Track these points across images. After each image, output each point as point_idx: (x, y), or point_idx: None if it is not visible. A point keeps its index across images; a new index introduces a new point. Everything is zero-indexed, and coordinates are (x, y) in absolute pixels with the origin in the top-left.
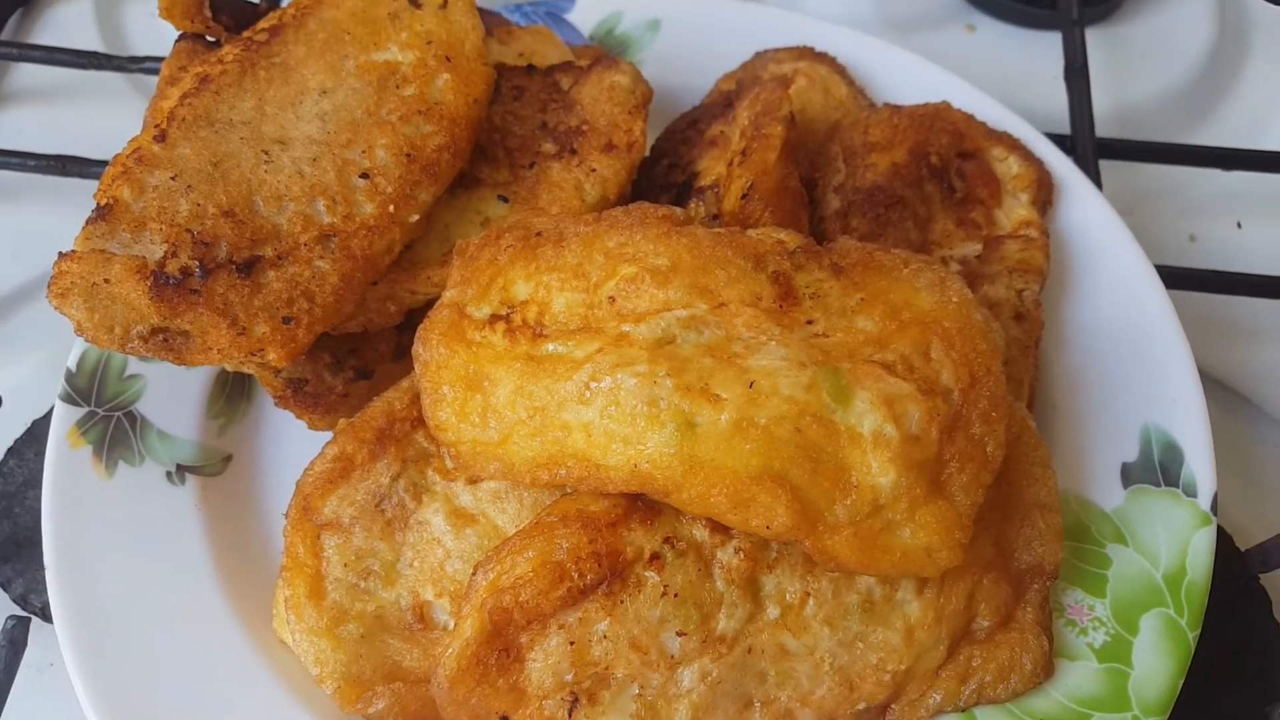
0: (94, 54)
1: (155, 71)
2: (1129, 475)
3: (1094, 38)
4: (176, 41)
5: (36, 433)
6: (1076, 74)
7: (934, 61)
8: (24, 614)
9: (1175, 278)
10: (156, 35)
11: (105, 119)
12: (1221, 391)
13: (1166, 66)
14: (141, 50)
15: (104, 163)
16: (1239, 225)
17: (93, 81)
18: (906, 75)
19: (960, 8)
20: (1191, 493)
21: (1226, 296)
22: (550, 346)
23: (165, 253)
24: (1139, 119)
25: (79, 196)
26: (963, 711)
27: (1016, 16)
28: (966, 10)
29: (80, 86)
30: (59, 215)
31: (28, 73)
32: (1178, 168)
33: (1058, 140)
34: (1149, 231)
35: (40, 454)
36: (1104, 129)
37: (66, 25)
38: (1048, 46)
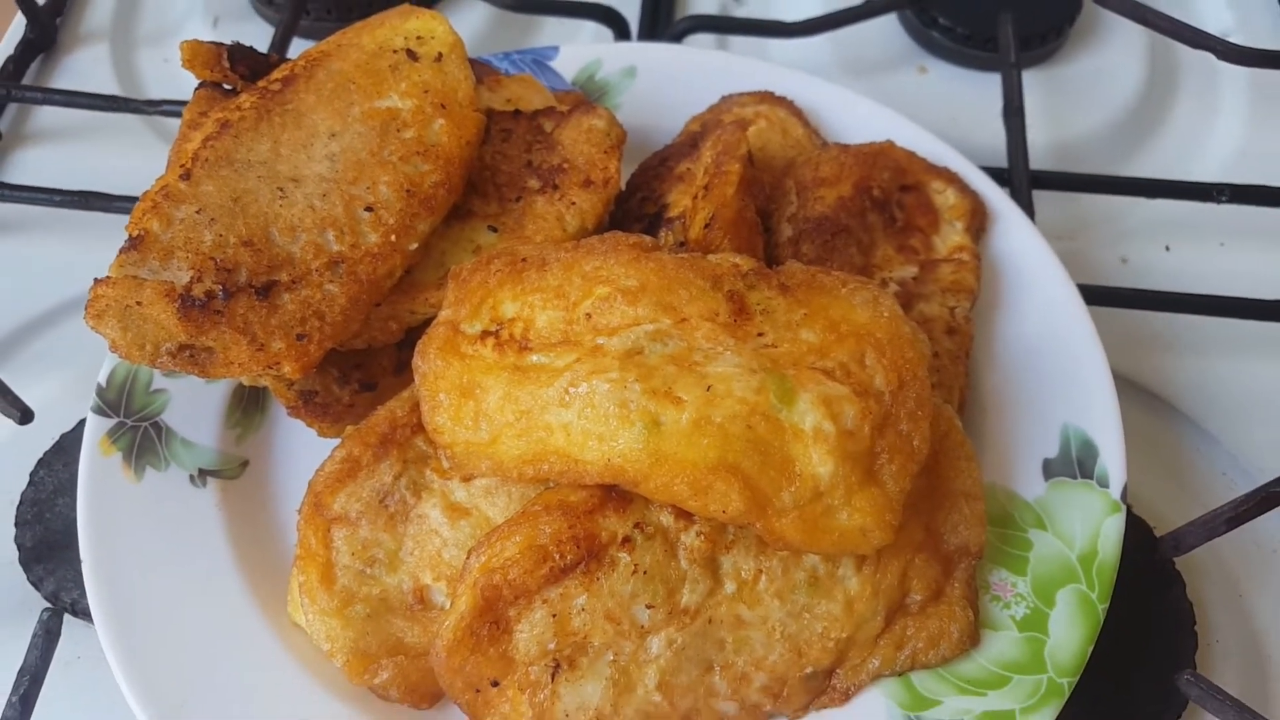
0: (113, 97)
1: (169, 114)
2: (1049, 469)
3: (1034, 78)
4: (196, 89)
5: (64, 445)
6: (1014, 113)
7: (888, 101)
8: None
9: (1108, 296)
10: (167, 78)
11: (122, 157)
12: (1149, 398)
13: (1101, 104)
14: (153, 91)
15: (123, 198)
16: (1167, 248)
17: (110, 122)
18: (858, 116)
19: (913, 51)
20: (1104, 484)
21: (1155, 313)
22: (534, 358)
23: (191, 278)
24: (1075, 152)
25: (100, 229)
26: (899, 675)
27: (964, 59)
28: (919, 54)
29: (98, 126)
30: (80, 246)
31: (49, 114)
32: (1112, 196)
33: (995, 173)
34: (1085, 254)
35: (67, 465)
36: (1042, 162)
37: (84, 69)
38: (992, 86)
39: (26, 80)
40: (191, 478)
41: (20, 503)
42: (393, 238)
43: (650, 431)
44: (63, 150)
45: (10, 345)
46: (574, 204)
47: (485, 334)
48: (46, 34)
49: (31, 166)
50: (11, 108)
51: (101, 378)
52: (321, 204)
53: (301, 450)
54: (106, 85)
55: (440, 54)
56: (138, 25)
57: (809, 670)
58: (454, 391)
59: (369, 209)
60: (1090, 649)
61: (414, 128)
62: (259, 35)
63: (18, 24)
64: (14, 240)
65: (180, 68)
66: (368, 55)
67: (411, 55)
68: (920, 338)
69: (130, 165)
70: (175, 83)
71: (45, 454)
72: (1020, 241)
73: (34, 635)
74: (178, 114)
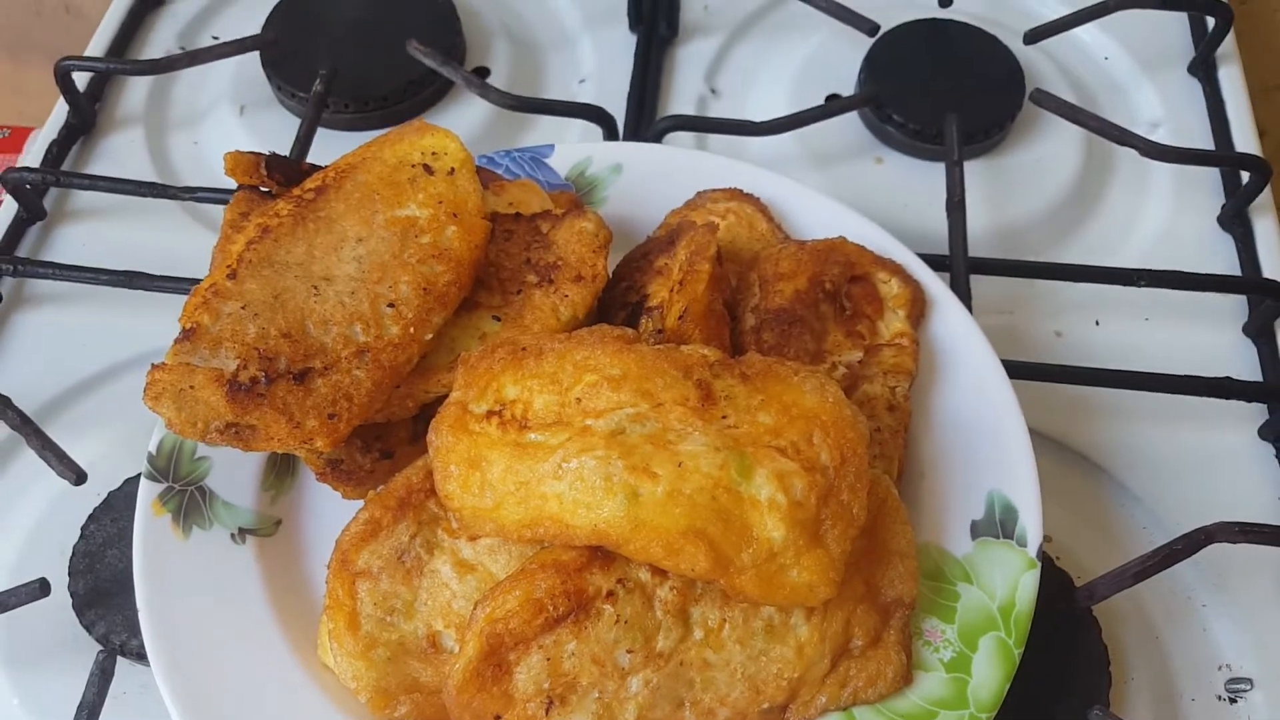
0: (153, 184)
1: (204, 200)
2: (976, 530)
3: (977, 168)
4: (236, 191)
5: (111, 502)
6: (955, 207)
7: (847, 188)
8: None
9: (1040, 372)
10: (196, 159)
11: (158, 236)
12: (1077, 459)
13: (1038, 192)
14: (183, 170)
15: (163, 277)
16: (1097, 323)
17: (147, 204)
18: (815, 210)
19: (871, 144)
20: (1023, 543)
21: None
22: (532, 436)
23: (238, 365)
24: (1014, 235)
25: (137, 303)
26: (843, 710)
27: (916, 151)
28: (876, 146)
29: (135, 207)
30: (119, 318)
31: (89, 195)
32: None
33: (937, 260)
34: (1022, 328)
35: (115, 520)
36: (983, 244)
37: (120, 153)
38: (940, 176)
39: (67, 164)
40: (232, 536)
41: (72, 554)
42: (411, 330)
43: (630, 502)
44: (102, 229)
45: (56, 409)
46: (566, 296)
47: (490, 414)
48: (86, 119)
49: (74, 244)
50: (54, 188)
51: (152, 447)
52: (350, 300)
53: (328, 510)
54: (141, 166)
55: (453, 168)
56: (169, 111)
57: (766, 706)
58: (463, 463)
59: (391, 305)
60: (1007, 688)
61: (430, 234)
62: (282, 123)
63: (60, 110)
64: (57, 312)
65: (208, 150)
66: (389, 168)
67: (428, 169)
68: (860, 419)
69: (166, 243)
70: (204, 164)
71: (94, 510)
72: (955, 326)
73: (91, 674)
74: (211, 200)
